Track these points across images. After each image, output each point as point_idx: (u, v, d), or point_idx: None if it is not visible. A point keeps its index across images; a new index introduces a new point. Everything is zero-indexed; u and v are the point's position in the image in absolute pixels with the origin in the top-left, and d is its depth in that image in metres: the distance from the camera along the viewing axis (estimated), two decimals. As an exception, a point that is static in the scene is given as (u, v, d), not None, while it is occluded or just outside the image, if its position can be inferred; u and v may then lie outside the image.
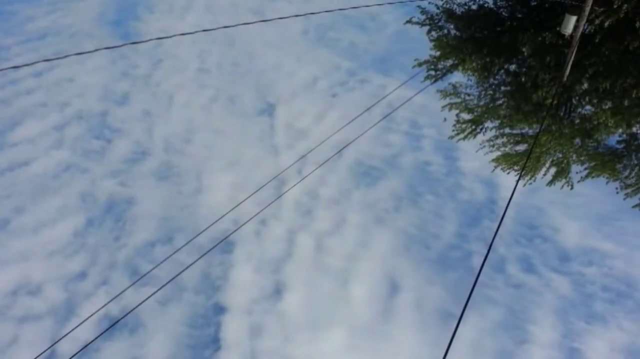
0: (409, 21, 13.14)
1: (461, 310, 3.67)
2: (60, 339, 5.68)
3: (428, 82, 12.24)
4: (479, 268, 4.21)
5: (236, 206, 7.24)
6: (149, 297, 6.01)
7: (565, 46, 9.77)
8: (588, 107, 11.80)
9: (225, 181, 11.21)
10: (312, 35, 15.04)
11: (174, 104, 12.82)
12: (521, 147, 11.65)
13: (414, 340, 9.18)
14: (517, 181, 5.10)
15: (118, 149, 11.60)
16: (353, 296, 9.64)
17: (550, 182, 10.93)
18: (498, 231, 4.86)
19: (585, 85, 11.52)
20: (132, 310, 6.01)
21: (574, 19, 9.02)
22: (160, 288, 6.06)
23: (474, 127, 11.83)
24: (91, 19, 15.22)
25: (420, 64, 12.57)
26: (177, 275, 6.35)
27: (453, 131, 11.77)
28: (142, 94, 13.04)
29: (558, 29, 9.43)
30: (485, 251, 4.18)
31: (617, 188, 10.60)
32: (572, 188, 10.80)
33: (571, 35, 9.19)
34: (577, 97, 11.69)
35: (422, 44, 13.60)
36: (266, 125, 12.39)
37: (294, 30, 15.08)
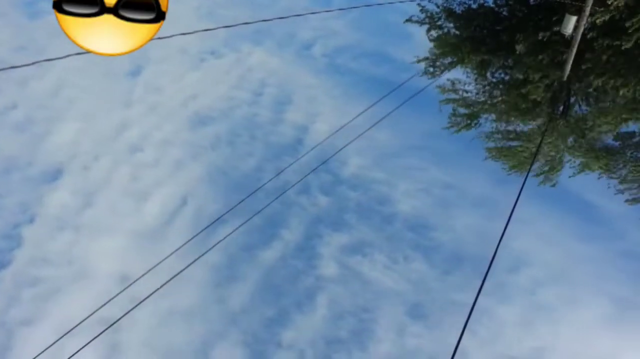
0: (409, 20, 12.98)
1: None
2: (58, 340, 5.63)
3: (427, 77, 12.22)
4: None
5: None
6: (149, 296, 5.98)
7: (565, 45, 9.77)
8: (584, 106, 11.87)
9: (73, 127, 13.36)
10: (202, 11, 16.06)
11: (54, 68, 14.27)
12: (516, 144, 11.71)
13: (180, 236, 10.90)
14: (524, 183, 5.14)
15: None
16: (145, 210, 12.12)
17: (538, 176, 11.07)
18: (505, 231, 4.87)
19: (583, 84, 11.56)
20: (131, 309, 5.96)
21: (574, 19, 9.01)
22: (160, 288, 6.02)
23: (469, 122, 11.87)
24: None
25: (419, 61, 12.50)
26: (176, 275, 6.31)
27: (448, 123, 11.83)
28: (27, 62, 14.20)
29: (558, 29, 9.43)
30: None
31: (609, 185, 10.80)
32: (554, 185, 11.03)
33: (571, 36, 9.19)
34: (574, 96, 11.75)
35: (302, 20, 14.65)
36: (129, 83, 14.26)
37: (188, 6, 16.00)
